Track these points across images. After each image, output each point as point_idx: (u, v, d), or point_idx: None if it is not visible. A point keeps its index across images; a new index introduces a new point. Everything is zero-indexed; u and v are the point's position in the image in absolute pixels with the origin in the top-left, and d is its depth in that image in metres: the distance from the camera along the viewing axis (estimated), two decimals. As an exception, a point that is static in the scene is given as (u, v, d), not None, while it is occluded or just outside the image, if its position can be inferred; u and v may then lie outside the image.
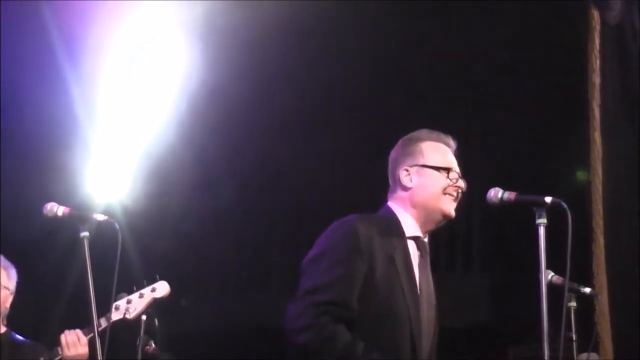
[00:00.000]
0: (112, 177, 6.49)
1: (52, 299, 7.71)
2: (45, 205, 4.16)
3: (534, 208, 3.53)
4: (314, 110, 8.43)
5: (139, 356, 5.02)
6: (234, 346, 9.95)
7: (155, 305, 5.21)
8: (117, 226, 4.01)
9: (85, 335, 4.64)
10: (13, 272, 4.91)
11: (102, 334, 4.47)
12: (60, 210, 4.12)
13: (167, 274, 5.05)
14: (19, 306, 5.02)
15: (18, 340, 4.89)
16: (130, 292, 4.87)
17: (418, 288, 3.67)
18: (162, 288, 4.86)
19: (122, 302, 4.76)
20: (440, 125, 3.89)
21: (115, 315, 4.69)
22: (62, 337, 4.64)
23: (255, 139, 8.15)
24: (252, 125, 7.90)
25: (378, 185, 4.00)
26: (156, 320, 5.12)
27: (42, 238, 6.79)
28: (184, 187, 7.87)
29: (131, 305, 4.76)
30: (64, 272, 7.30)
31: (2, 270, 4.83)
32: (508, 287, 8.80)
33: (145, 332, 5.09)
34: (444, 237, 9.20)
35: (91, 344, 4.58)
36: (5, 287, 4.81)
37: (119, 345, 4.27)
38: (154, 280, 4.91)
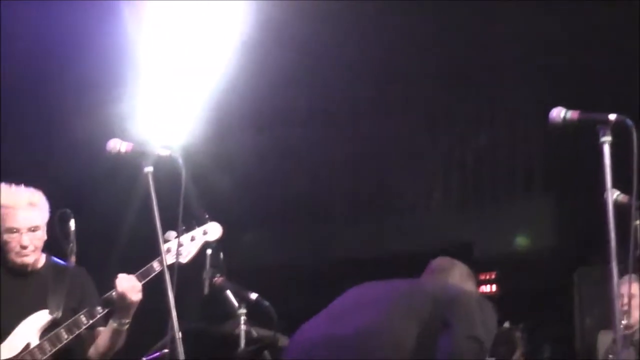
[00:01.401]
0: (171, 117, 6.49)
1: (111, 237, 7.78)
2: (109, 142, 4.16)
3: (598, 126, 3.46)
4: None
5: (206, 289, 5.03)
6: (298, 279, 10.02)
7: (219, 241, 5.22)
8: (180, 161, 4.00)
9: (140, 281, 4.59)
10: (42, 208, 4.84)
11: (158, 277, 4.51)
12: (123, 146, 4.12)
13: (228, 210, 5.02)
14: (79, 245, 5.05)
15: (59, 265, 4.89)
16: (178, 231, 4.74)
17: None
18: (214, 230, 4.71)
19: (173, 245, 4.53)
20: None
21: (169, 259, 4.62)
22: (118, 282, 4.59)
23: (315, 79, 8.09)
24: (312, 67, 7.82)
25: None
26: (221, 254, 5.13)
27: (103, 176, 6.82)
28: (244, 125, 7.86)
29: (183, 249, 4.63)
30: (122, 210, 7.37)
31: (31, 209, 4.77)
32: (573, 209, 8.71)
33: (211, 266, 5.11)
34: (505, 162, 9.11)
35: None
36: (38, 226, 4.77)
37: (182, 281, 4.29)
38: (203, 221, 4.76)
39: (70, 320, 4.54)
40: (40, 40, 6.56)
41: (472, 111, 8.57)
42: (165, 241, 4.58)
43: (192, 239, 4.66)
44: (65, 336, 4.53)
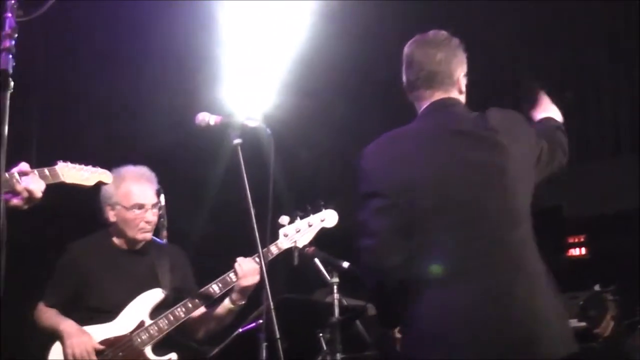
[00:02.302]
0: (254, 89, 6.48)
1: (197, 208, 7.83)
2: (197, 115, 4.19)
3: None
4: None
5: (296, 260, 5.04)
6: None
7: (305, 210, 5.22)
8: (269, 132, 4.01)
9: (256, 262, 4.63)
10: (156, 184, 4.95)
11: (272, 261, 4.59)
12: (212, 119, 4.15)
13: (311, 179, 5.01)
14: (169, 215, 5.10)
15: (159, 243, 4.97)
16: (291, 215, 4.82)
17: None
18: (331, 218, 4.82)
19: (290, 230, 4.74)
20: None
21: (286, 244, 4.70)
22: (238, 266, 4.66)
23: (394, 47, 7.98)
24: (387, 34, 7.72)
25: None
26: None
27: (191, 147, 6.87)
28: (330, 97, 7.81)
29: (299, 235, 4.74)
30: (211, 182, 7.42)
31: (152, 186, 4.88)
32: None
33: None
34: (592, 122, 8.94)
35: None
36: (158, 203, 4.89)
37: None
38: (318, 208, 4.84)
39: (186, 300, 4.63)
40: (122, 13, 6.61)
41: (558, 71, 8.41)
42: (280, 226, 4.68)
43: (309, 225, 4.75)
44: (183, 315, 4.64)
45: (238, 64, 6.29)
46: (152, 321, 4.66)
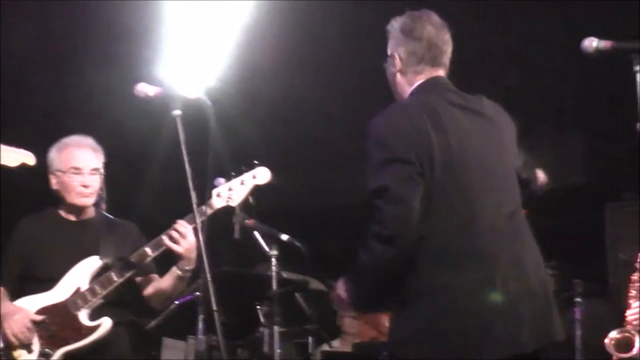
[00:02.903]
0: (197, 62, 6.45)
1: (141, 180, 7.80)
2: (136, 86, 4.18)
3: (632, 55, 3.40)
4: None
5: (237, 233, 5.04)
6: (330, 222, 10.05)
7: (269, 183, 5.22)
8: (209, 103, 4.00)
9: (190, 224, 4.62)
10: (101, 154, 4.95)
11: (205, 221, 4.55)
12: (152, 90, 4.14)
13: (256, 154, 5.00)
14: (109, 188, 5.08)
15: (110, 219, 4.96)
16: (226, 177, 4.78)
17: None
18: (263, 174, 4.77)
19: (223, 190, 4.70)
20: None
21: (219, 203, 4.67)
22: (174, 229, 4.65)
23: (347, 26, 7.94)
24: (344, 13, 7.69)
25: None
26: (250, 198, 5.12)
27: (132, 119, 6.83)
28: (273, 69, 7.79)
29: (233, 193, 4.69)
30: (151, 154, 7.39)
31: (93, 152, 4.87)
32: (604, 144, 8.64)
33: (241, 210, 5.11)
34: (536, 99, 9.02)
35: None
36: (98, 169, 4.86)
37: (213, 224, 4.30)
38: (252, 167, 4.81)
39: (118, 262, 4.63)
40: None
41: (502, 48, 8.45)
42: (215, 187, 4.65)
43: (242, 183, 4.71)
44: (115, 279, 4.65)
45: (181, 37, 6.25)
46: (87, 287, 4.66)
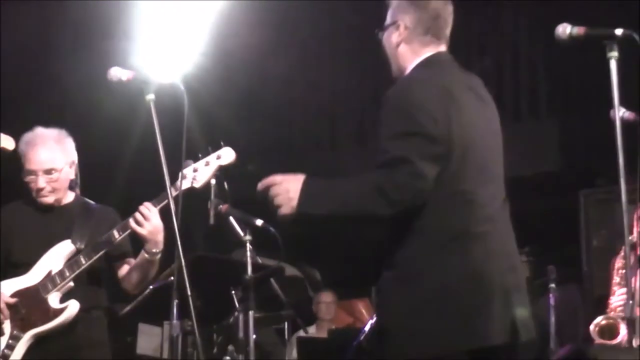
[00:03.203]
0: (173, 48, 6.44)
1: (116, 163, 7.78)
2: (109, 70, 4.16)
3: (605, 41, 3.41)
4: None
5: (212, 219, 5.02)
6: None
7: (223, 171, 5.20)
8: (182, 88, 3.99)
9: (155, 206, 4.61)
10: (66, 146, 4.90)
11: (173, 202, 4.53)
12: (125, 74, 4.12)
13: (231, 140, 4.99)
14: (84, 173, 5.06)
15: (89, 204, 4.95)
16: (195, 159, 4.74)
17: None
18: (227, 154, 4.72)
19: (188, 171, 4.66)
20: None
21: (184, 184, 4.64)
22: (138, 212, 4.64)
23: (322, 7, 7.94)
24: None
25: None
26: (225, 184, 5.11)
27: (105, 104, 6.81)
28: (249, 52, 7.78)
29: (198, 174, 4.66)
30: (125, 138, 7.37)
31: (50, 150, 4.82)
32: (577, 132, 8.69)
33: (216, 196, 5.10)
34: (509, 85, 9.06)
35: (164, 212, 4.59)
36: (52, 169, 4.81)
37: (188, 210, 4.30)
38: (219, 147, 4.77)
39: (88, 246, 4.63)
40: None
41: (475, 35, 8.49)
42: (184, 168, 4.63)
43: (207, 164, 4.70)
44: (83, 261, 4.64)
45: (156, 23, 6.24)
46: (58, 270, 4.66)
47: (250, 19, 7.19)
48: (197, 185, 4.61)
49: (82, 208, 4.91)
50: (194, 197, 4.80)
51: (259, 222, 4.90)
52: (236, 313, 5.16)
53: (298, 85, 8.71)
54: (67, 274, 4.65)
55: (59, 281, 4.65)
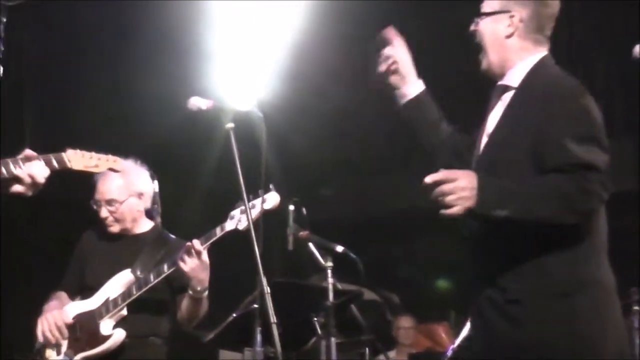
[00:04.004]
0: (247, 74, 6.48)
1: (192, 191, 7.83)
2: (189, 100, 4.20)
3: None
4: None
5: (290, 245, 5.03)
6: (377, 230, 10.02)
7: (298, 194, 5.20)
8: (261, 115, 4.01)
9: (202, 244, 4.61)
10: (140, 176, 4.96)
11: (215, 242, 4.57)
12: (204, 103, 4.16)
13: (305, 165, 5.00)
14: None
15: (165, 237, 5.00)
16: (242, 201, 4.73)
17: None
18: (271, 199, 4.63)
19: (236, 212, 4.66)
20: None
21: (229, 226, 4.66)
22: (185, 249, 4.65)
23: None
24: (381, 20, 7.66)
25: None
26: (304, 209, 5.11)
27: (183, 132, 6.86)
28: (322, 82, 7.80)
29: (243, 216, 4.61)
30: (201, 168, 7.42)
31: (117, 181, 4.87)
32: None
33: (294, 221, 5.10)
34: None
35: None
36: (114, 200, 4.87)
37: (267, 238, 4.30)
38: (267, 190, 4.69)
39: (140, 278, 4.68)
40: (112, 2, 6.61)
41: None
42: (234, 208, 4.65)
43: (252, 206, 4.65)
44: (135, 292, 4.70)
45: (231, 49, 6.28)
46: (114, 298, 4.74)
47: (328, 44, 7.22)
48: (240, 227, 4.59)
49: (155, 238, 4.97)
50: (270, 223, 4.82)
51: (340, 248, 4.90)
52: (315, 338, 5.16)
53: (372, 110, 8.70)
54: (119, 302, 4.73)
55: (111, 308, 4.74)
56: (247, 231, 4.18)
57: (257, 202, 4.60)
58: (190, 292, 4.67)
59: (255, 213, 4.51)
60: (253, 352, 4.46)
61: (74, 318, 4.79)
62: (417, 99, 3.78)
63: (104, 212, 4.88)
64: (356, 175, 9.92)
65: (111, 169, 3.98)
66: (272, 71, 6.58)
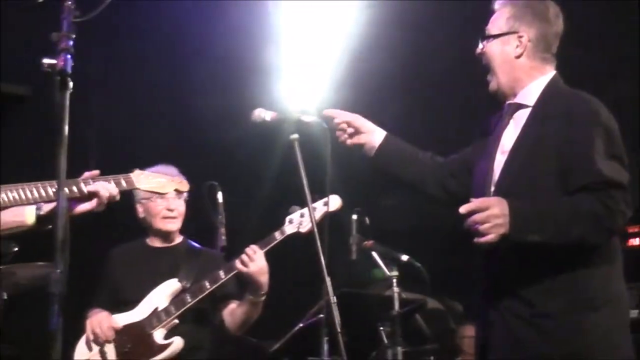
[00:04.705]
0: (309, 85, 6.50)
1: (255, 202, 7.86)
2: (254, 111, 4.23)
3: None
4: None
5: (354, 255, 5.04)
6: (435, 243, 9.98)
7: (360, 205, 5.20)
8: (325, 126, 4.02)
9: (261, 248, 4.68)
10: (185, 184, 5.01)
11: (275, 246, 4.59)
12: (268, 115, 4.19)
13: (365, 177, 4.99)
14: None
15: (195, 247, 5.06)
16: (302, 205, 4.66)
17: None
18: (334, 202, 4.66)
19: (295, 216, 4.72)
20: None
21: (289, 229, 4.69)
22: (245, 254, 4.71)
23: (448, 45, 7.90)
24: (443, 31, 7.64)
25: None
26: (367, 219, 5.12)
27: (248, 145, 6.90)
28: (382, 94, 7.79)
29: (304, 219, 4.69)
30: (262, 177, 7.45)
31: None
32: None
33: (357, 231, 5.11)
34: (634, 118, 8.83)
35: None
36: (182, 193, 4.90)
37: (330, 247, 4.31)
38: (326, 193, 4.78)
39: (194, 285, 4.72)
40: (178, 14, 6.66)
41: (597, 67, 8.31)
42: (289, 214, 4.68)
43: (313, 209, 4.67)
44: (189, 300, 4.76)
45: (293, 60, 6.31)
46: (164, 307, 4.77)
47: (394, 54, 7.21)
48: (303, 230, 4.64)
49: (188, 249, 5.06)
50: (334, 232, 4.83)
51: (404, 257, 4.90)
52: (381, 348, 5.16)
53: (439, 123, 8.70)
54: (173, 311, 4.77)
55: (164, 318, 4.78)
56: (309, 235, 4.19)
57: (319, 204, 4.63)
58: (251, 296, 4.73)
59: (318, 215, 4.55)
60: (320, 362, 4.47)
61: (121, 329, 4.83)
62: (385, 142, 4.00)
63: (172, 204, 4.94)
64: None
65: (178, 190, 4.03)
66: (334, 81, 6.60)
